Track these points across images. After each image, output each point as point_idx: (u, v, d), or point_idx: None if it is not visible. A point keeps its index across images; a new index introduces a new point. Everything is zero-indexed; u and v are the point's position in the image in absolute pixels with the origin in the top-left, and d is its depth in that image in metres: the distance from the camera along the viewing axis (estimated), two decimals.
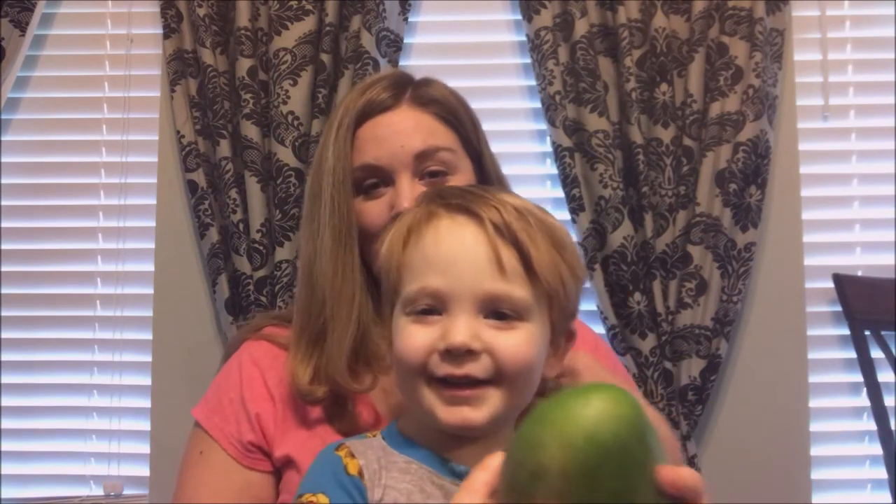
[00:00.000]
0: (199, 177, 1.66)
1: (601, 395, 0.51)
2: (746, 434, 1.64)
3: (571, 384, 0.83)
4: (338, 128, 0.96)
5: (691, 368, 1.58)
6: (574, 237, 1.39)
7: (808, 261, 1.70)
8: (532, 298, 0.69)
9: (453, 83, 0.92)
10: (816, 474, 1.67)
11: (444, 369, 0.68)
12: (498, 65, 1.77)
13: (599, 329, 1.59)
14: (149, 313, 1.73)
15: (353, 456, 0.70)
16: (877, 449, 1.55)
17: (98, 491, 1.70)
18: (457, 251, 0.69)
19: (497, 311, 0.69)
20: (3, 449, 1.70)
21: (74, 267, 1.77)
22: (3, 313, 1.73)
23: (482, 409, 0.68)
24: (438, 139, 0.97)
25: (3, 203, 1.76)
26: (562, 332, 0.76)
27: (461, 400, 0.68)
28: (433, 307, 0.70)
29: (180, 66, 1.69)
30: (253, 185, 1.62)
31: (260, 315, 1.33)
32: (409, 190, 0.93)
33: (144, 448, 1.70)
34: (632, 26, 1.63)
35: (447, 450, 0.71)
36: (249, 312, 1.59)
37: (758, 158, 1.61)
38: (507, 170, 1.06)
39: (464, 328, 0.67)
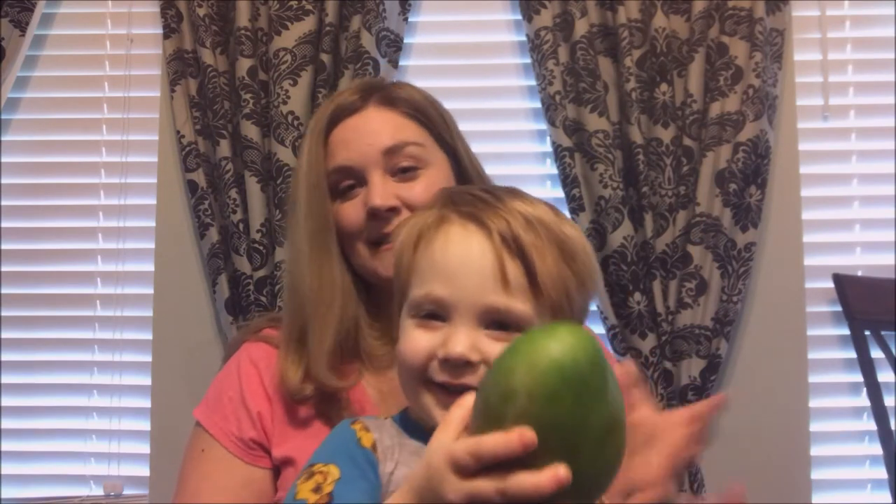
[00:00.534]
0: (199, 177, 1.66)
1: (566, 330, 0.57)
2: (746, 434, 1.63)
3: None
4: (310, 135, 0.99)
5: (691, 368, 1.58)
6: None
7: (808, 261, 1.70)
8: (534, 312, 0.70)
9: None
10: (816, 474, 1.67)
11: (442, 376, 0.69)
12: (498, 65, 1.77)
13: (599, 329, 1.60)
14: (149, 313, 1.73)
15: (367, 430, 0.71)
16: (877, 449, 1.55)
17: (98, 491, 1.70)
18: (463, 261, 0.70)
19: (499, 321, 0.69)
20: (3, 449, 1.70)
21: (74, 267, 1.77)
22: (3, 313, 1.73)
23: None
24: (406, 134, 0.98)
25: (3, 203, 1.76)
26: None
27: None
28: (437, 313, 0.70)
29: (180, 66, 1.69)
30: (253, 185, 1.62)
31: (259, 316, 1.35)
32: (380, 186, 0.95)
33: (144, 448, 1.70)
34: (632, 26, 1.63)
35: None
36: (249, 312, 1.59)
37: (758, 158, 1.61)
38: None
39: (463, 339, 0.68)
